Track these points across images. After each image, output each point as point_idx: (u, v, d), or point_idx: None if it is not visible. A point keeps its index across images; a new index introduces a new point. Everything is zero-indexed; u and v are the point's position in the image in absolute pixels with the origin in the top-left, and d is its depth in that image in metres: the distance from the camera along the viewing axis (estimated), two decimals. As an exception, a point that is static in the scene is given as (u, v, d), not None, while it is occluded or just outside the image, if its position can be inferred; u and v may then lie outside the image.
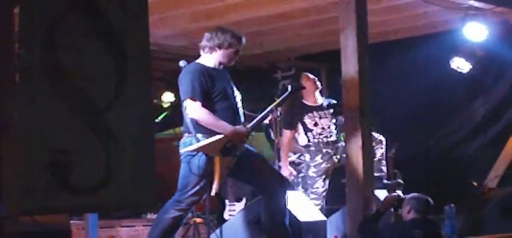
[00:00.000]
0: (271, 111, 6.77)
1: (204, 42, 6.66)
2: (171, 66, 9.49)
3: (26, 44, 3.45)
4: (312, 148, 8.39)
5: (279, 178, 6.81)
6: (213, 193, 6.43)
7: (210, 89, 6.47)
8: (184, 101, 6.50)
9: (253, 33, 9.83)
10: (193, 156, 6.43)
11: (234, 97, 6.65)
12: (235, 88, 6.74)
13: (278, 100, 6.79)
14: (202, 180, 6.43)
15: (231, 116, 6.51)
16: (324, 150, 8.37)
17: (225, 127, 6.40)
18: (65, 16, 3.56)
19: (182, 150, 6.48)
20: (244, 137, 6.50)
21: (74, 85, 3.54)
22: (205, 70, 6.54)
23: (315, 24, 9.83)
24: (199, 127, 6.42)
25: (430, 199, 6.77)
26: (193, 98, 6.41)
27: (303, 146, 8.53)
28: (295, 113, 8.51)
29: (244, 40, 6.71)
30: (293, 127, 8.49)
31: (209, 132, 6.40)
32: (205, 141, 6.36)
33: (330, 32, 9.14)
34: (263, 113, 6.69)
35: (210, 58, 6.63)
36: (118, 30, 3.69)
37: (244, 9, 8.94)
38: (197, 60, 6.69)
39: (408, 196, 6.86)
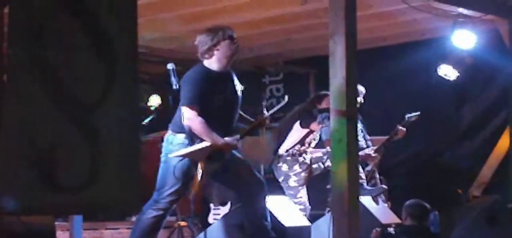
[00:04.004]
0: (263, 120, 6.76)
1: (200, 49, 6.61)
2: (159, 70, 9.48)
3: (15, 45, 3.44)
4: (288, 158, 8.37)
5: (260, 182, 6.80)
6: (190, 196, 6.47)
7: (209, 95, 6.45)
8: (182, 106, 6.50)
9: (243, 37, 9.79)
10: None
11: (234, 104, 6.64)
12: (238, 92, 6.70)
13: (271, 111, 6.82)
14: (181, 180, 6.43)
15: (222, 127, 6.49)
16: (300, 159, 8.37)
17: (217, 139, 6.40)
18: (55, 16, 3.55)
19: (171, 155, 6.45)
20: (234, 148, 6.57)
21: (62, 85, 3.52)
22: (208, 75, 6.52)
23: (305, 29, 9.82)
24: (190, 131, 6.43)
25: (425, 204, 6.78)
26: (190, 106, 6.41)
27: (278, 155, 8.50)
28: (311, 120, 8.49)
29: (232, 31, 6.67)
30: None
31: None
32: (192, 148, 6.35)
33: (320, 37, 9.14)
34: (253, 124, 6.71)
35: (212, 62, 6.60)
36: (107, 31, 3.68)
37: (235, 13, 8.92)
38: (203, 63, 6.64)
39: (404, 205, 6.89)
